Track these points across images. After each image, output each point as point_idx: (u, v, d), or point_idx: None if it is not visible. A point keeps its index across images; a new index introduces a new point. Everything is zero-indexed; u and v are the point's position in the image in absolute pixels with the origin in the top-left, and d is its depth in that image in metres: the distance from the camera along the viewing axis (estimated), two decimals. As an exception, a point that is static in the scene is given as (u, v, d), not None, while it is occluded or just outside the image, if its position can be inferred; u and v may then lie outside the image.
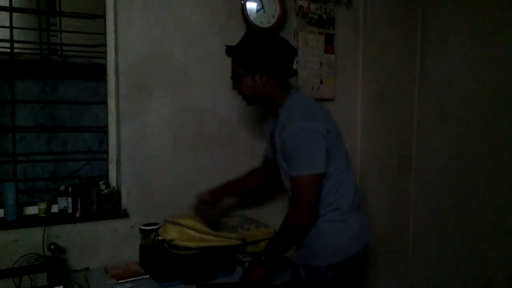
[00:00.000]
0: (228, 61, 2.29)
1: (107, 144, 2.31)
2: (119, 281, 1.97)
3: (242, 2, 2.35)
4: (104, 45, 2.28)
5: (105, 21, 2.24)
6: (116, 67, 2.21)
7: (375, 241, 2.85)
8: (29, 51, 2.70)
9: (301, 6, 2.51)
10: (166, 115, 2.28)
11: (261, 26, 2.40)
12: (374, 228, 2.86)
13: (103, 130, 2.31)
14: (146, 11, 2.21)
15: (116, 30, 2.18)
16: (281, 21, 2.46)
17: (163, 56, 2.26)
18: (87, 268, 2.14)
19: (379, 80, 2.86)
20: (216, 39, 2.35)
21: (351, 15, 2.78)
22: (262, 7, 2.38)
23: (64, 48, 2.83)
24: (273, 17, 2.42)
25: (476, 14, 2.59)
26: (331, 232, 1.76)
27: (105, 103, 2.30)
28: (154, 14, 2.23)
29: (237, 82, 1.83)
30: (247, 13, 2.35)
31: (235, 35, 2.38)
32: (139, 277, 2.02)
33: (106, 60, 2.27)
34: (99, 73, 2.57)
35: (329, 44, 2.65)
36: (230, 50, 1.85)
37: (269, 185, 2.20)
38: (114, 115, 2.26)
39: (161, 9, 2.24)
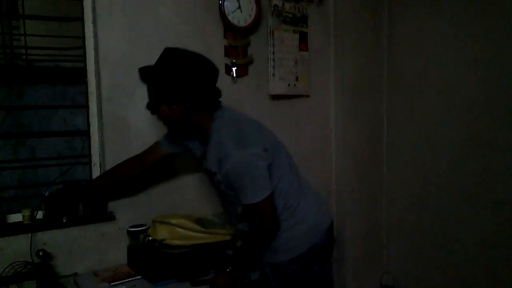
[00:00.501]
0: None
1: (89, 148, 2.29)
2: (112, 284, 1.98)
3: (220, 2, 2.38)
4: (81, 47, 2.26)
5: (83, 23, 2.21)
6: (97, 70, 2.19)
7: (350, 230, 3.00)
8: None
9: (275, 5, 2.56)
10: (149, 116, 2.27)
11: (238, 25, 2.44)
12: (349, 217, 2.99)
13: (85, 134, 2.29)
14: (125, 12, 2.21)
15: (95, 32, 2.17)
16: (257, 21, 2.51)
17: (144, 57, 2.22)
18: (76, 273, 2.13)
19: (351, 77, 2.94)
20: (195, 39, 2.37)
21: (323, 13, 2.85)
22: (239, 7, 2.43)
23: (29, 52, 2.76)
24: (250, 17, 2.47)
25: (442, 11, 2.72)
26: (286, 228, 1.80)
27: (85, 106, 2.28)
28: (133, 16, 2.23)
29: (154, 110, 1.76)
30: (225, 13, 2.39)
31: (213, 35, 2.45)
32: (131, 278, 2.03)
33: (85, 63, 2.24)
34: (67, 77, 2.53)
35: (303, 42, 2.72)
36: (144, 75, 1.74)
37: (151, 169, 2.16)
38: (96, 117, 2.25)
39: (139, 10, 2.24)
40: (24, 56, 2.91)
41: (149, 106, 1.77)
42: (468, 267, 2.66)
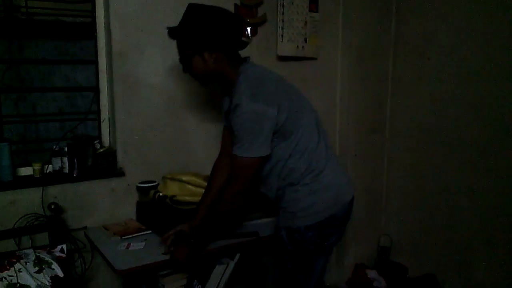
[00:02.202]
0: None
1: (98, 104, 2.28)
2: (123, 237, 2.02)
3: (233, -41, 2.34)
4: (89, 1, 2.23)
5: (93, -24, 2.17)
6: (107, 25, 2.17)
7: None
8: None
9: (287, -36, 2.52)
10: (159, 74, 2.28)
11: (250, -17, 2.41)
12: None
13: (94, 89, 2.28)
14: (136, -34, 2.17)
15: (106, -15, 2.13)
16: (268, -21, 2.48)
17: (155, 14, 2.23)
18: (85, 227, 2.17)
19: (358, 40, 2.94)
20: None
21: (333, -26, 2.82)
22: (251, -35, 2.39)
23: (30, 5, 2.70)
24: (261, -26, 2.44)
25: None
26: (308, 193, 1.76)
27: (94, 62, 2.27)
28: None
29: (186, 64, 1.78)
30: (237, -30, 2.35)
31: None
32: (142, 233, 2.07)
33: (94, 18, 2.22)
34: (71, 32, 2.49)
35: (313, 3, 2.69)
36: (172, 32, 1.76)
37: None
38: (105, 73, 2.24)
39: (151, -36, 2.20)
40: (23, 9, 2.86)
41: (181, 60, 1.79)
42: (463, 231, 2.74)
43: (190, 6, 1.73)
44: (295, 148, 1.73)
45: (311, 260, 1.83)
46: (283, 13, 2.56)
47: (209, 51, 1.70)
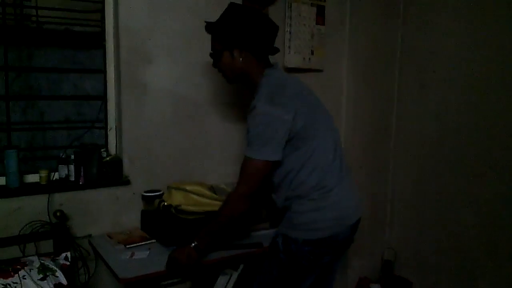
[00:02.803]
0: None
1: (106, 112, 2.30)
2: (127, 246, 2.02)
3: (241, -29, 2.37)
4: (98, 11, 2.25)
5: (103, -13, 2.20)
6: (116, 35, 2.19)
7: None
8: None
9: (294, -23, 2.55)
10: (166, 83, 2.30)
11: (258, -5, 2.44)
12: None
13: (101, 98, 2.30)
14: (146, -22, 2.20)
15: (116, -4, 2.16)
16: (276, -9, 2.50)
17: (163, 23, 2.25)
18: (90, 235, 2.17)
19: (364, 53, 2.96)
20: (215, 7, 2.35)
21: (340, -13, 2.84)
22: (259, -23, 2.41)
23: (40, 13, 2.73)
24: (269, -13, 2.46)
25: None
26: (313, 209, 1.73)
27: (102, 71, 2.29)
28: (154, -19, 2.22)
29: (216, 58, 1.82)
30: (245, -18, 2.38)
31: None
32: (146, 242, 2.07)
33: (103, 28, 2.24)
34: (79, 41, 2.51)
35: (320, 15, 2.71)
36: (209, 26, 1.82)
37: None
38: (113, 82, 2.26)
39: (160, -24, 2.23)
40: (34, 18, 2.89)
41: (212, 55, 1.83)
42: (468, 245, 2.72)
43: (231, 4, 1.81)
44: (308, 160, 1.72)
45: (299, 275, 1.79)
46: (290, 25, 2.58)
47: (239, 49, 1.75)
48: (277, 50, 1.88)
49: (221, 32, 1.78)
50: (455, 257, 2.80)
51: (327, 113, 1.89)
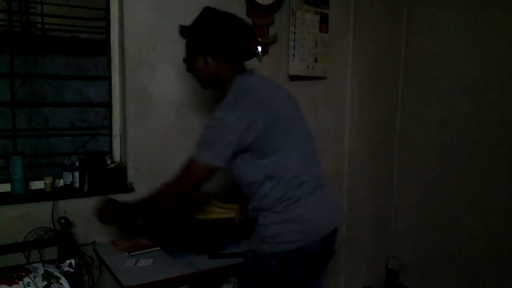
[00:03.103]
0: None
1: (110, 119, 2.31)
2: (131, 254, 2.01)
3: (244, -22, 2.38)
4: (103, 18, 2.27)
5: (108, -6, 2.22)
6: (121, 42, 2.20)
7: (359, 214, 3.04)
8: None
9: (298, -15, 2.56)
10: (171, 90, 2.30)
11: (262, 3, 2.45)
12: (359, 200, 3.03)
13: (106, 105, 2.31)
14: (151, -14, 2.21)
15: (121, 5, 2.17)
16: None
17: (168, 31, 2.26)
18: (94, 242, 2.17)
19: (368, 60, 2.97)
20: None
21: (344, -4, 2.86)
22: (262, -15, 2.42)
23: (46, 21, 2.74)
24: (273, -5, 2.47)
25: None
26: (277, 221, 1.66)
27: (107, 78, 2.30)
28: (159, -11, 2.23)
29: (189, 64, 1.79)
30: (249, -10, 2.39)
31: (236, 13, 2.43)
32: (150, 249, 2.07)
33: (108, 35, 2.25)
34: (84, 48, 2.52)
35: (323, 23, 2.72)
36: (183, 31, 1.79)
37: None
38: (118, 89, 2.26)
39: (164, -17, 2.25)
40: (39, 25, 2.91)
41: (186, 60, 1.81)
42: (474, 255, 2.71)
43: (205, 9, 1.77)
44: (271, 173, 1.65)
45: None
46: (295, 33, 2.59)
47: (212, 55, 1.71)
48: (252, 55, 1.85)
49: (195, 38, 1.76)
50: (461, 266, 2.78)
51: (302, 122, 1.80)
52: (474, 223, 2.70)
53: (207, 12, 1.76)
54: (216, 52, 1.71)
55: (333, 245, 1.81)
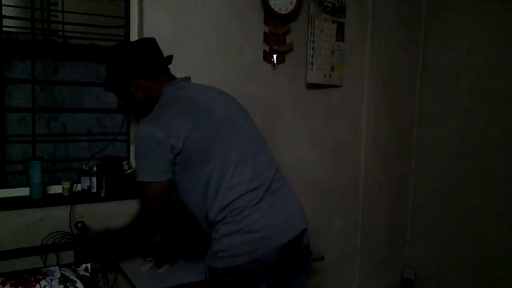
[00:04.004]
0: (248, 48, 2.36)
1: (128, 125, 2.33)
2: (147, 259, 2.03)
3: (262, -12, 2.40)
4: (123, 26, 2.30)
5: (127, 2, 2.25)
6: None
7: (375, 223, 3.02)
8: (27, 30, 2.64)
9: (317, -6, 2.57)
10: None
11: (279, 12, 2.46)
12: (375, 210, 3.01)
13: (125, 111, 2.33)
14: (170, -6, 2.24)
15: (141, 12, 2.20)
16: (298, 8, 2.52)
17: (186, 41, 2.29)
18: (110, 247, 2.18)
19: (384, 70, 2.96)
20: (236, 24, 2.40)
21: (361, 5, 2.85)
22: (280, -6, 2.44)
23: (66, 29, 2.79)
24: (291, 4, 2.49)
25: (479, 8, 2.71)
26: (225, 234, 1.58)
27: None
28: (178, -2, 2.26)
29: (125, 101, 1.80)
30: (266, -1, 2.41)
31: (254, 21, 2.47)
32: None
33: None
34: (102, 55, 2.55)
35: (340, 32, 2.72)
36: (105, 84, 1.88)
37: None
38: (136, 96, 2.29)
39: (184, -8, 2.27)
40: (60, 33, 2.96)
41: (120, 100, 1.83)
42: (490, 266, 2.67)
43: (105, 52, 1.84)
44: (208, 184, 1.58)
45: None
46: (313, 42, 2.59)
47: (129, 83, 1.72)
48: (167, 60, 1.82)
49: (110, 78, 1.78)
50: (477, 277, 2.75)
51: (246, 127, 1.72)
52: (492, 234, 2.66)
53: (107, 55, 1.79)
54: (127, 78, 1.71)
55: (302, 251, 1.69)
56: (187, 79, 1.80)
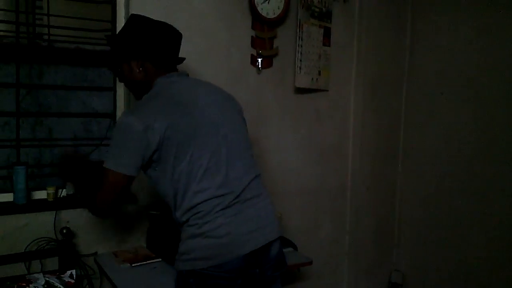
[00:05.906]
0: (235, 52, 2.35)
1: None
2: (133, 265, 2.01)
3: (250, -8, 2.40)
4: (109, 30, 2.28)
5: (113, 6, 2.23)
6: (126, 53, 2.21)
7: (362, 227, 3.03)
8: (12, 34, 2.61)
9: (305, -2, 2.58)
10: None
11: (267, 17, 2.46)
12: (362, 214, 3.02)
13: (110, 116, 2.32)
14: (157, -3, 2.23)
15: (127, 16, 2.19)
16: (285, 13, 2.53)
17: (173, 43, 2.27)
18: (96, 253, 2.16)
19: (371, 74, 2.98)
20: (223, 28, 2.40)
21: (347, 10, 2.87)
22: (267, -1, 2.45)
23: (52, 32, 2.76)
24: (278, 9, 2.49)
25: (465, 12, 2.74)
26: (189, 236, 1.57)
27: (111, 88, 2.31)
28: (165, 1, 2.25)
29: (117, 72, 1.78)
30: (254, 4, 2.41)
31: (241, 25, 2.47)
32: (152, 261, 2.06)
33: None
34: (89, 59, 2.54)
35: (326, 36, 2.73)
36: (109, 39, 1.80)
37: None
38: (123, 100, 2.27)
39: (171, -4, 2.27)
40: (46, 36, 2.93)
41: (111, 67, 1.80)
42: (478, 269, 2.69)
43: (130, 16, 1.76)
44: (178, 185, 1.56)
45: None
46: (301, 46, 2.60)
47: (136, 60, 1.68)
48: (181, 60, 1.80)
49: (119, 44, 1.74)
50: (464, 280, 2.76)
51: (228, 130, 1.66)
52: (479, 237, 2.68)
53: (130, 19, 1.75)
54: (138, 55, 1.68)
55: (269, 262, 1.65)
56: (183, 73, 1.76)
